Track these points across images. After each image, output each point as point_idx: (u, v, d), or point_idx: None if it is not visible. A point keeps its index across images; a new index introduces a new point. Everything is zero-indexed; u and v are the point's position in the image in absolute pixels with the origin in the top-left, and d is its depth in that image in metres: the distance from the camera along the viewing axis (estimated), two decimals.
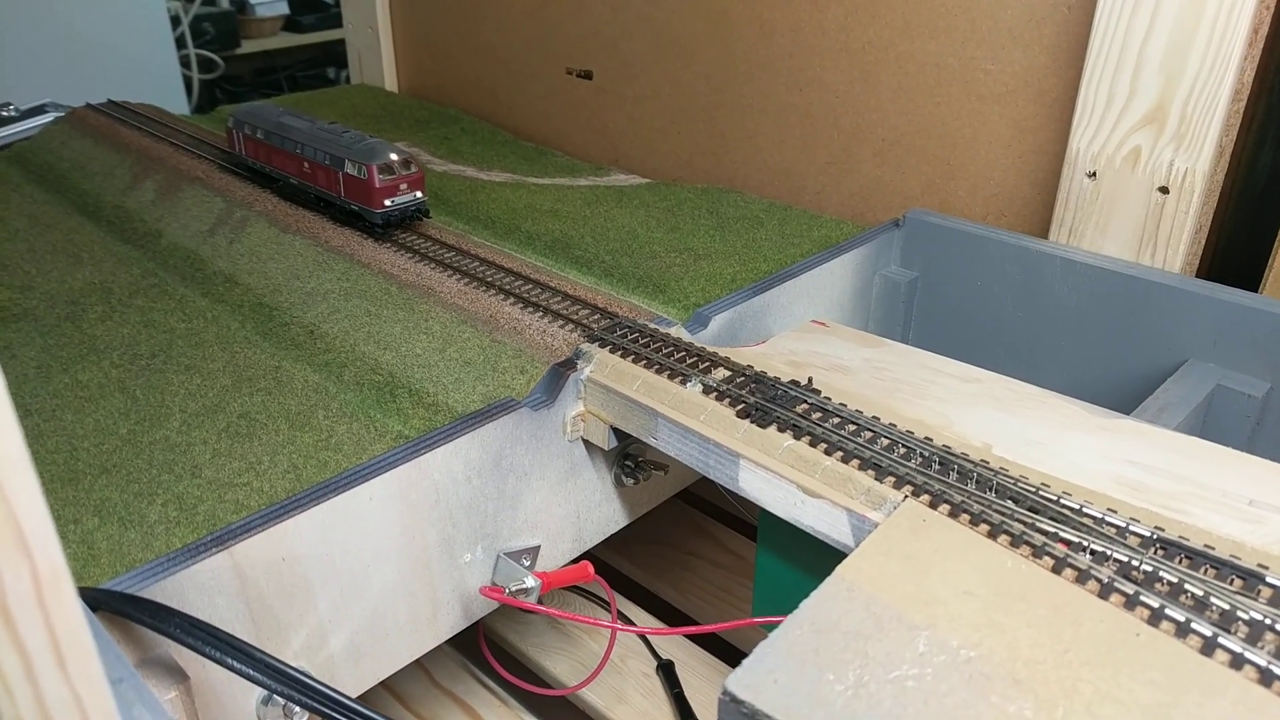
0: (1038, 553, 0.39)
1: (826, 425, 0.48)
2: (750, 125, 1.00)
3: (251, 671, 0.36)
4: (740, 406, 0.50)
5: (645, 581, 0.78)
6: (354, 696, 0.37)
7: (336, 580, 0.46)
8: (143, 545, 0.46)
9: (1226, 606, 0.35)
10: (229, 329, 0.67)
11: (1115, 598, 0.36)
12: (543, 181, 1.00)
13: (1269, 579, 0.36)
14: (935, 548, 0.39)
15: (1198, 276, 0.73)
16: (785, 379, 0.52)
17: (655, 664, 0.67)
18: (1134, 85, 0.69)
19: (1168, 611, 0.35)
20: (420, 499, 0.48)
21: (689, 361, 0.55)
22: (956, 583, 0.37)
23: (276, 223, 0.81)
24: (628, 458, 0.59)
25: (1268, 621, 0.34)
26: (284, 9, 2.50)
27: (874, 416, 0.49)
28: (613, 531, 0.61)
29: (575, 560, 0.58)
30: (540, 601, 0.52)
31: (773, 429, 0.48)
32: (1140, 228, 0.72)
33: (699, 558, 0.79)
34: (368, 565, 0.47)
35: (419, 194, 0.77)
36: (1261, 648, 0.33)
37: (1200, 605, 0.35)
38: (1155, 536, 0.39)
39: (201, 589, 0.41)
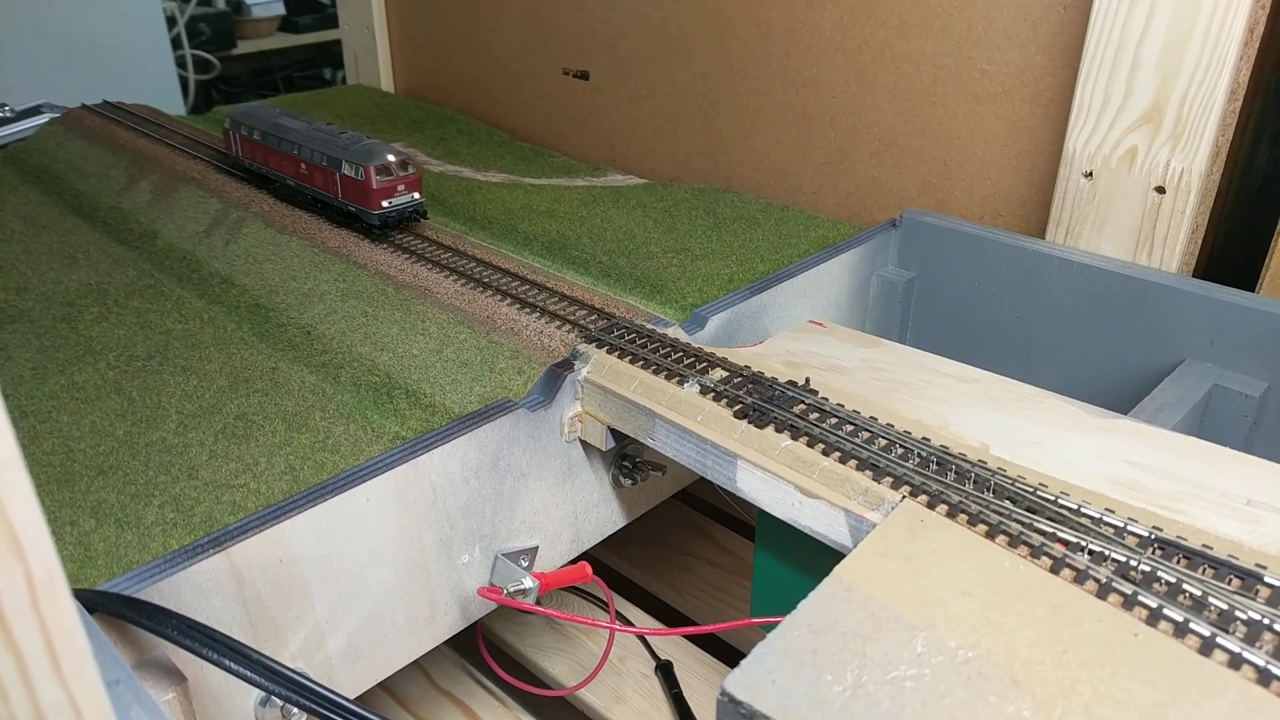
0: (1035, 553, 0.39)
1: (824, 425, 0.48)
2: (747, 125, 1.00)
3: (249, 673, 0.36)
4: (738, 407, 0.50)
5: (643, 582, 0.78)
6: (352, 698, 0.37)
7: (334, 581, 0.46)
8: (140, 547, 0.46)
9: (1225, 606, 0.35)
10: (225, 330, 0.67)
11: (1113, 598, 0.36)
12: (539, 182, 1.00)
13: (1267, 579, 0.36)
14: (933, 548, 0.39)
15: (1194, 276, 0.74)
16: (783, 379, 0.52)
17: (654, 664, 0.67)
18: (1130, 85, 0.69)
19: (1166, 611, 0.35)
20: (418, 500, 0.48)
21: (686, 362, 0.55)
22: (954, 583, 0.37)
23: (273, 224, 0.81)
24: (625, 458, 0.59)
25: (1266, 621, 0.34)
26: (280, 9, 2.49)
27: (871, 417, 0.49)
28: (611, 532, 0.61)
29: (573, 561, 0.58)
30: (538, 602, 0.52)
31: (770, 429, 0.48)
32: (1137, 228, 0.72)
33: (697, 558, 0.79)
34: (365, 566, 0.47)
35: (416, 195, 0.77)
36: (1260, 647, 0.33)
37: (1198, 605, 0.35)
38: (1153, 536, 0.39)
39: (199, 590, 0.41)
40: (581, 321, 0.61)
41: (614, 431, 0.55)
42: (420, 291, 0.68)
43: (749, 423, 0.49)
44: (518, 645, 0.69)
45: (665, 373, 0.54)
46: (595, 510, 0.59)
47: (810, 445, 0.47)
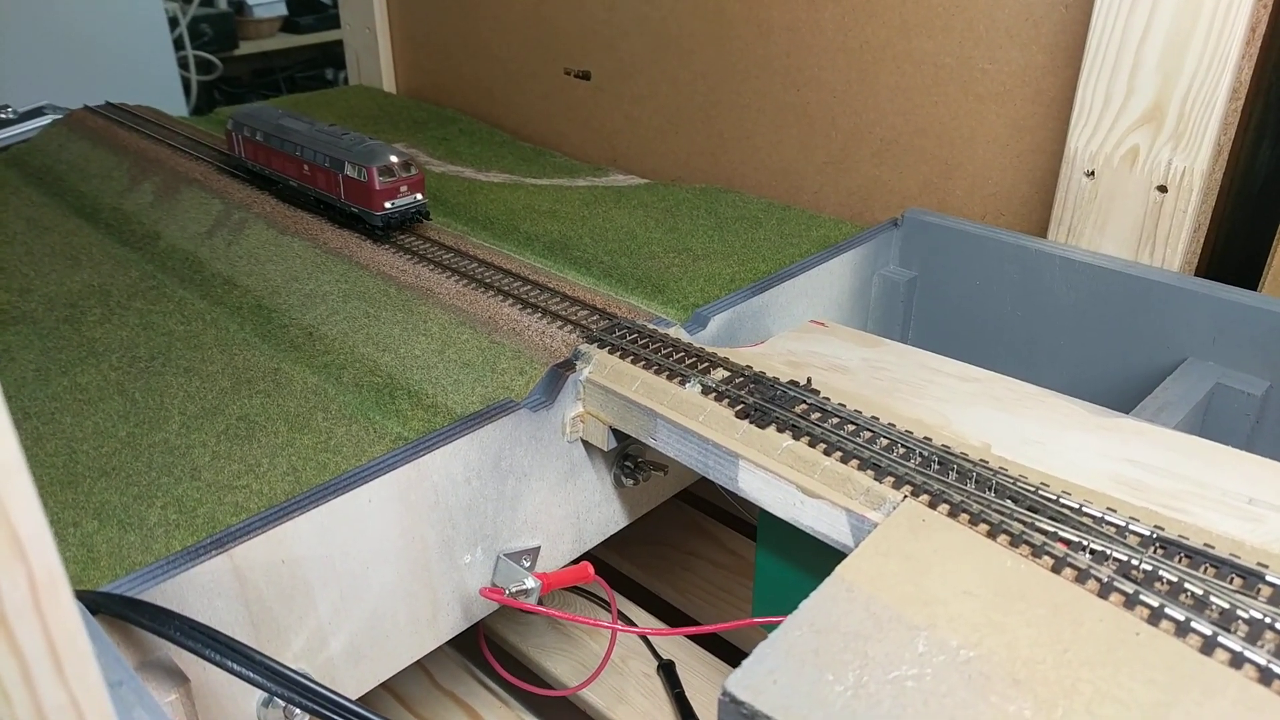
0: (1037, 552, 0.39)
1: (825, 425, 0.48)
2: (748, 125, 1.00)
3: (251, 674, 0.36)
4: (739, 407, 0.50)
5: (645, 582, 0.78)
6: (354, 698, 0.37)
7: (336, 582, 0.46)
8: (142, 548, 0.46)
9: (1226, 605, 0.35)
10: (228, 331, 0.67)
11: (1115, 597, 0.36)
12: (541, 182, 1.00)
13: (1268, 577, 0.36)
14: (934, 548, 0.39)
15: (1196, 275, 0.73)
16: (784, 379, 0.52)
17: (656, 664, 0.67)
18: (1131, 84, 0.69)
19: (1167, 610, 0.35)
20: (419, 500, 0.48)
21: (688, 362, 0.55)
22: (956, 583, 0.37)
23: (275, 224, 0.81)
24: (627, 458, 0.59)
25: (1267, 620, 0.34)
26: (282, 10, 2.49)
27: (873, 416, 0.49)
28: (613, 532, 0.61)
29: (575, 561, 0.58)
30: (540, 602, 0.52)
31: (772, 429, 0.48)
32: (1139, 226, 0.72)
33: (699, 558, 0.79)
34: (367, 567, 0.47)
35: (419, 196, 0.77)
36: (1261, 646, 0.33)
37: (1200, 604, 0.35)
38: (1155, 535, 0.39)
39: (201, 591, 0.41)
40: (583, 322, 0.61)
41: (616, 431, 0.55)
42: (422, 292, 0.68)
43: (750, 423, 0.49)
44: (520, 645, 0.69)
45: (667, 373, 0.54)
46: (597, 510, 0.59)
47: (812, 445, 0.47)
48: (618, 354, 0.56)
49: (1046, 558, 0.38)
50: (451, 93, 1.36)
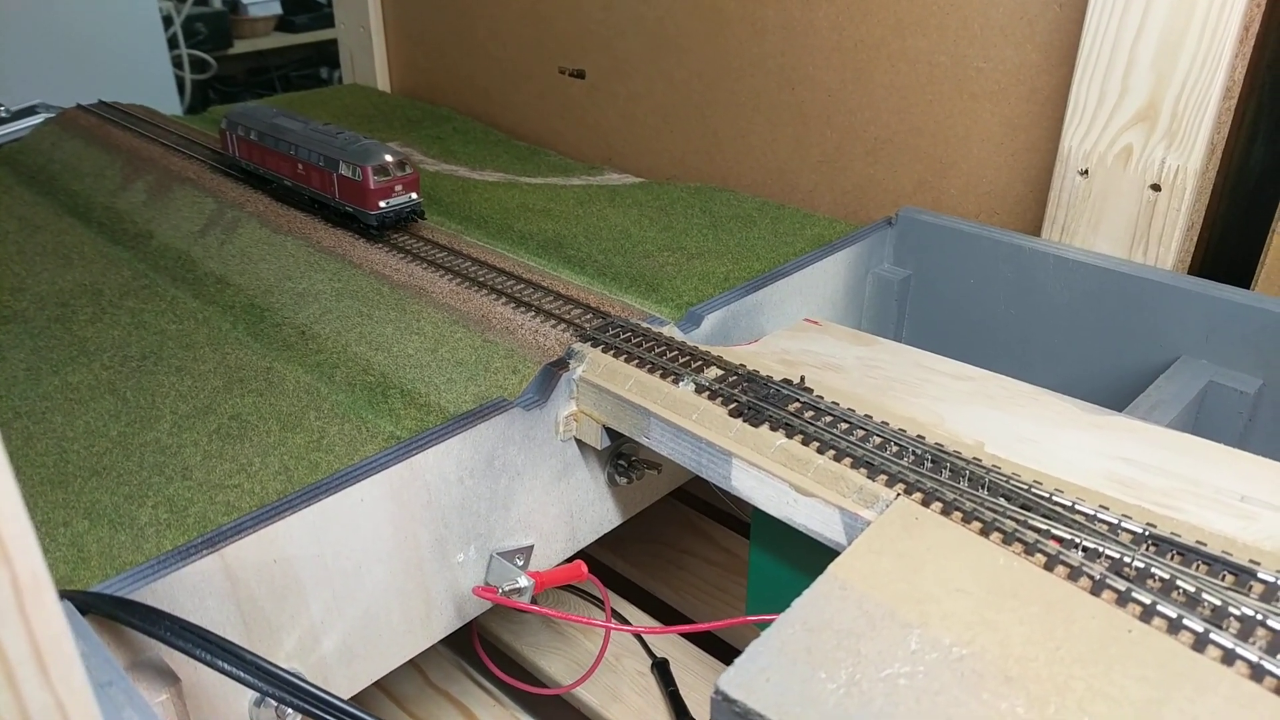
0: (1030, 550, 0.39)
1: (819, 424, 0.48)
2: (743, 124, 1.00)
3: (243, 674, 0.36)
4: (733, 405, 0.50)
5: (639, 580, 0.78)
6: (347, 698, 0.37)
7: (328, 581, 0.46)
8: (133, 547, 0.45)
9: (1218, 602, 0.35)
10: (220, 330, 0.67)
11: (1107, 594, 0.36)
12: (535, 181, 1.00)
13: (1260, 575, 0.36)
14: (927, 546, 0.39)
15: (1190, 274, 0.73)
16: (778, 378, 0.52)
17: (650, 662, 0.67)
18: (1125, 83, 0.69)
19: (1159, 608, 0.35)
20: (412, 499, 0.48)
21: (681, 361, 0.55)
22: (949, 580, 0.37)
23: (268, 223, 0.81)
24: (621, 457, 0.59)
25: (1259, 617, 0.34)
26: (276, 9, 2.49)
27: (866, 415, 0.49)
28: (606, 531, 0.61)
29: (569, 559, 0.58)
30: (534, 601, 0.52)
31: (765, 428, 0.48)
32: (1132, 225, 0.72)
33: (693, 556, 0.79)
34: (360, 566, 0.47)
35: (414, 195, 0.77)
36: (1253, 643, 0.33)
37: (1192, 601, 0.35)
38: (1147, 533, 0.39)
39: (192, 591, 0.41)
40: (577, 320, 0.61)
41: (609, 430, 0.55)
42: (415, 291, 0.68)
43: (744, 421, 0.49)
44: (514, 644, 0.69)
45: (660, 371, 0.54)
46: (591, 509, 0.59)
47: (805, 443, 0.47)
48: (611, 352, 0.56)
49: (1039, 555, 0.38)
50: (446, 91, 1.35)
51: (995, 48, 0.79)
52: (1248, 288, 0.71)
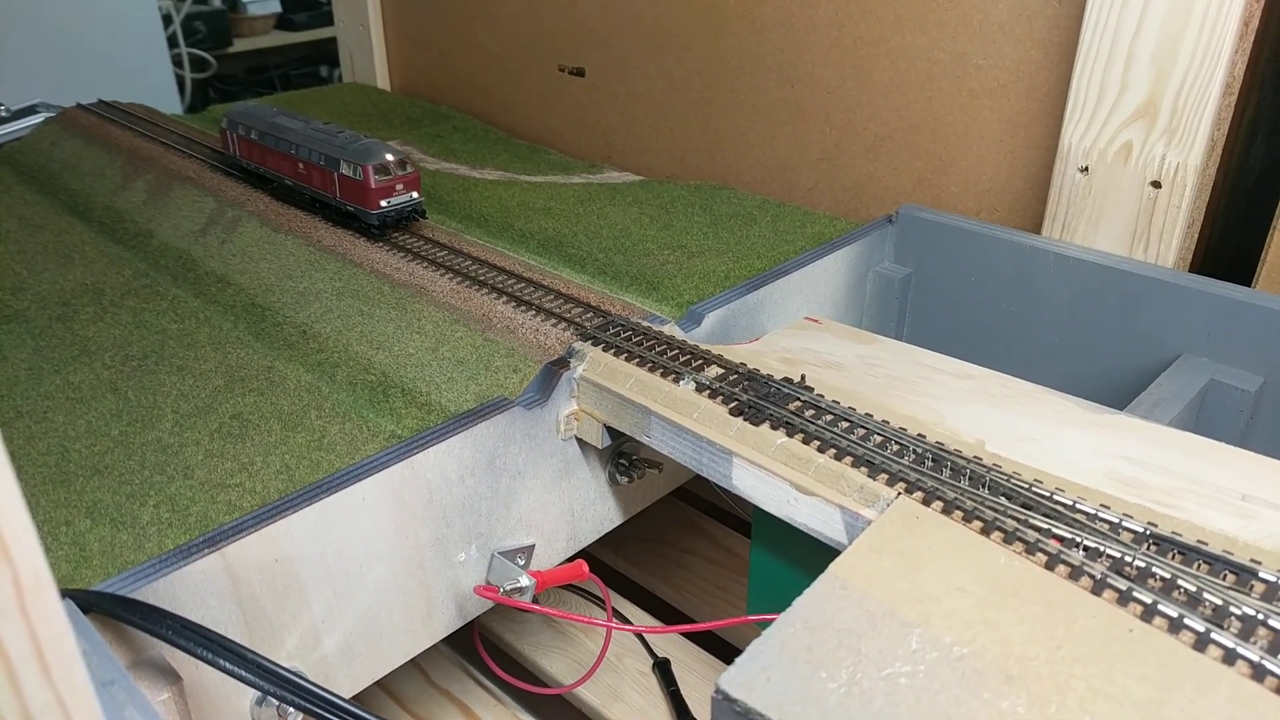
0: (1030, 549, 0.39)
1: (819, 422, 0.48)
2: (742, 121, 1.00)
3: (244, 673, 0.36)
4: (733, 404, 0.50)
5: (640, 579, 0.78)
6: (348, 697, 0.37)
7: (330, 581, 0.46)
8: (135, 547, 0.46)
9: (1219, 602, 0.35)
10: (221, 329, 0.67)
11: (1108, 594, 0.36)
12: (535, 179, 1.00)
13: (1261, 574, 0.36)
14: (928, 545, 0.39)
15: (1190, 271, 0.73)
16: (778, 376, 0.52)
17: (651, 662, 0.67)
18: (1125, 80, 0.69)
19: (1160, 607, 0.35)
20: (413, 499, 0.48)
21: (682, 359, 0.55)
22: (949, 580, 0.37)
23: (268, 222, 0.81)
24: (622, 456, 0.59)
25: (1260, 617, 0.34)
26: (276, 7, 2.49)
27: (867, 414, 0.49)
28: (607, 530, 0.61)
29: (570, 559, 0.58)
30: (535, 600, 0.52)
31: (766, 426, 0.48)
32: (1133, 222, 0.72)
33: (694, 555, 0.79)
34: (361, 565, 0.47)
35: (415, 194, 0.77)
36: (1254, 643, 0.33)
37: (1193, 601, 0.35)
38: (1148, 532, 0.39)
39: (194, 590, 0.41)
40: (577, 319, 0.61)
41: (610, 429, 0.55)
42: (416, 290, 0.68)
43: (744, 420, 0.49)
44: (515, 643, 0.69)
45: (661, 370, 0.54)
46: (592, 508, 0.59)
47: (806, 442, 0.47)
48: (612, 351, 0.56)
49: (1040, 555, 0.38)
50: (446, 90, 1.35)
51: (995, 44, 0.79)
52: (1249, 285, 0.71)
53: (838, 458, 0.45)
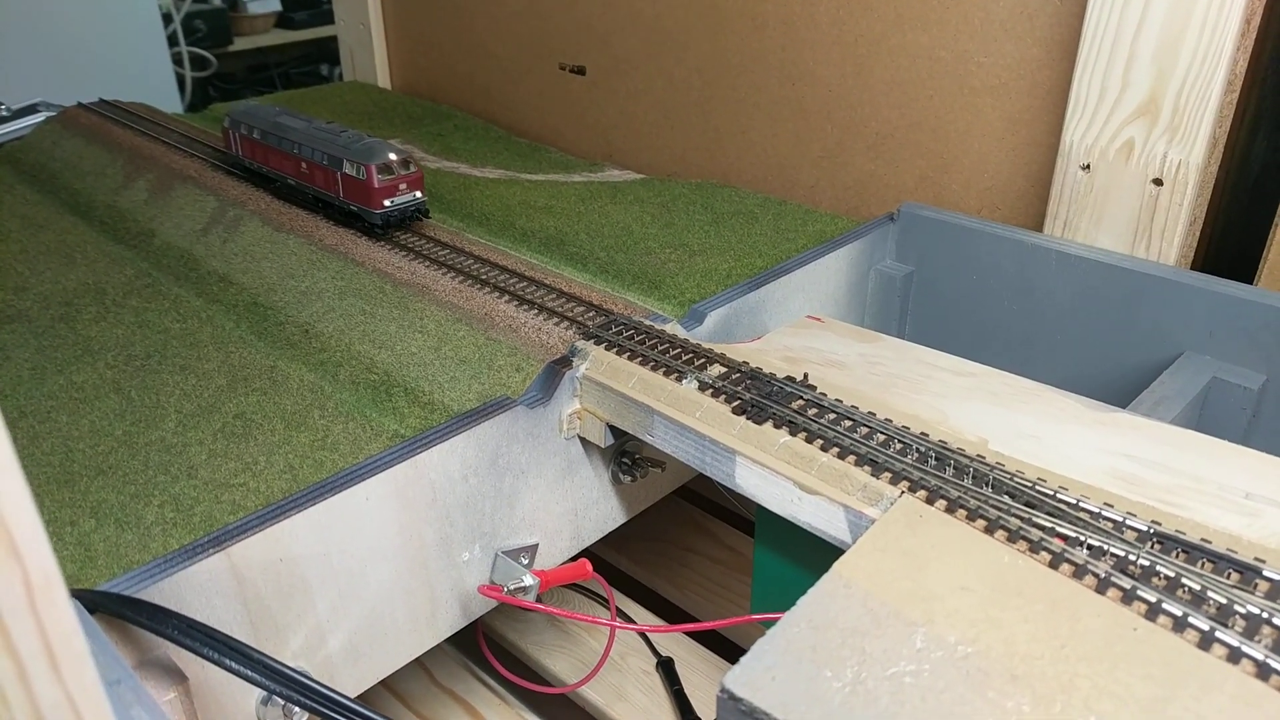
0: (1034, 547, 0.39)
1: (822, 421, 0.48)
2: (743, 120, 1.00)
3: (250, 672, 0.36)
4: (736, 403, 0.50)
5: (644, 578, 0.78)
6: (353, 696, 0.37)
7: (334, 580, 0.46)
8: (140, 547, 0.46)
9: (1224, 600, 0.35)
10: (224, 329, 0.67)
11: (1112, 592, 0.36)
12: (537, 178, 1.00)
13: (1266, 572, 0.36)
14: (932, 543, 0.39)
15: (1192, 269, 0.73)
16: (781, 375, 0.52)
17: (655, 661, 0.67)
18: (1127, 78, 0.69)
19: (1165, 606, 0.35)
20: (417, 498, 0.48)
21: (685, 358, 0.55)
22: (953, 578, 0.37)
23: (270, 222, 0.81)
24: (624, 455, 0.59)
25: (1265, 615, 0.34)
26: (276, 6, 2.49)
27: (870, 412, 0.49)
28: (611, 529, 0.61)
29: (573, 558, 0.58)
30: (539, 599, 0.52)
31: (769, 425, 0.48)
32: (1134, 220, 0.72)
33: (697, 554, 0.79)
34: (365, 565, 0.47)
35: (418, 194, 0.77)
36: (1259, 641, 0.33)
37: (1197, 599, 0.35)
38: (1152, 530, 0.39)
39: (199, 590, 0.41)
40: (579, 318, 0.61)
41: (613, 428, 0.55)
42: (418, 289, 0.68)
43: (747, 419, 0.49)
44: (519, 643, 0.69)
45: (664, 369, 0.54)
46: (595, 507, 0.59)
47: (809, 441, 0.47)
48: (614, 350, 0.56)
49: (1044, 553, 0.38)
50: (446, 89, 1.35)
51: (996, 42, 0.79)
52: (1251, 283, 0.71)
53: (841, 456, 0.45)
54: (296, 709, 0.43)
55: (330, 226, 0.78)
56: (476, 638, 0.68)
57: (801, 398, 0.50)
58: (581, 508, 0.58)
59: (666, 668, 0.66)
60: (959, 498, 0.42)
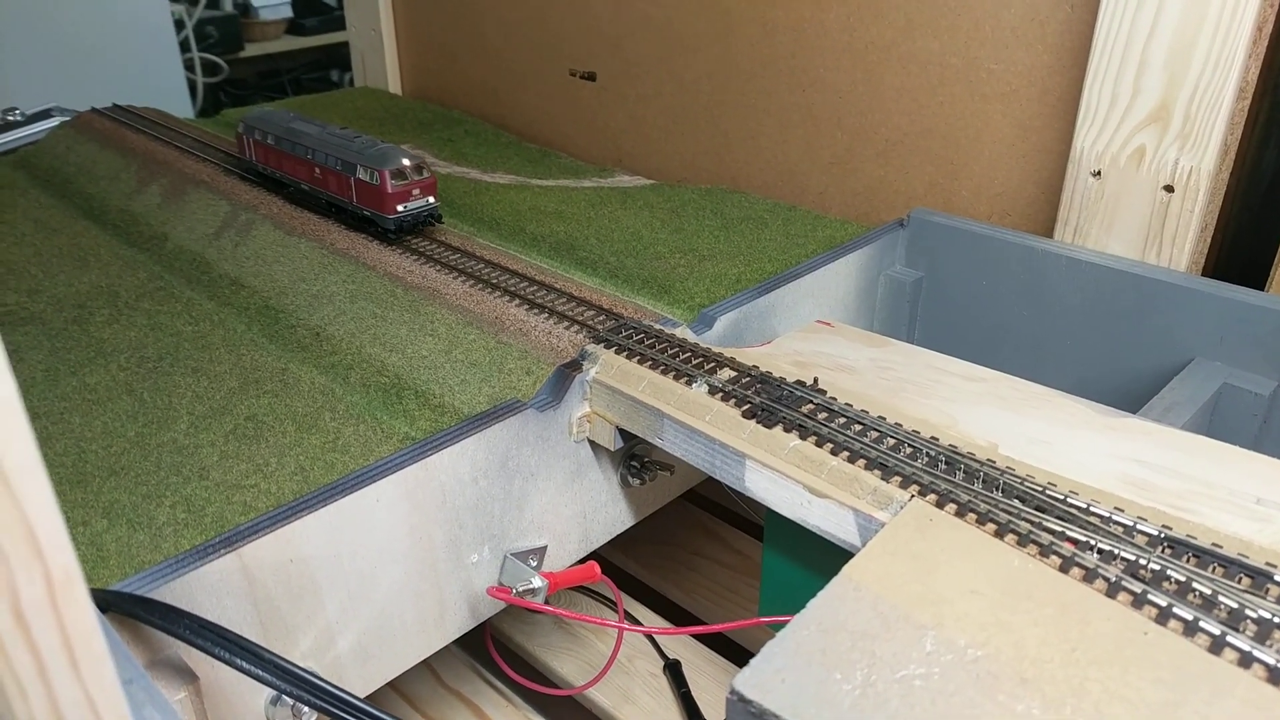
0: (1045, 551, 0.39)
1: (832, 425, 0.48)
2: (753, 125, 1.00)
3: (260, 672, 0.36)
4: (746, 407, 0.50)
5: (652, 582, 0.78)
6: (362, 697, 0.37)
7: (344, 581, 0.46)
8: (151, 547, 0.46)
9: (1235, 605, 0.35)
10: (235, 331, 0.68)
11: (1123, 596, 0.36)
12: (547, 183, 1.00)
13: (1277, 577, 0.36)
14: (942, 547, 0.39)
15: (1203, 275, 0.73)
16: (791, 379, 0.53)
17: (662, 664, 0.67)
18: (1138, 84, 0.69)
19: (1175, 610, 0.35)
20: (427, 500, 0.49)
21: (694, 362, 0.55)
22: (963, 582, 0.37)
23: (282, 226, 0.81)
24: (634, 458, 0.59)
25: (1276, 620, 0.34)
26: (287, 12, 2.50)
27: (880, 416, 0.49)
28: (619, 532, 0.61)
29: (582, 560, 0.58)
30: (547, 602, 0.52)
31: (779, 429, 0.48)
32: (1145, 226, 0.72)
33: (705, 558, 0.79)
34: (375, 566, 0.47)
35: (431, 199, 0.77)
36: (1270, 646, 0.33)
37: (1208, 604, 0.35)
38: (1163, 535, 0.39)
39: (210, 590, 0.41)
40: (589, 322, 0.61)
41: (622, 431, 0.55)
42: (429, 293, 0.69)
43: (757, 422, 0.49)
44: (526, 645, 0.69)
45: (673, 373, 0.54)
46: (604, 510, 0.59)
47: (819, 445, 0.47)
48: (624, 354, 0.56)
49: (1054, 557, 0.38)
50: (457, 94, 1.36)
51: (1007, 49, 0.79)
52: (1262, 289, 0.71)
53: (851, 460, 0.45)
54: (306, 709, 0.44)
55: (342, 231, 0.79)
56: (484, 639, 0.68)
57: (811, 402, 0.50)
58: (590, 510, 0.59)
59: (674, 670, 0.66)
60: (969, 502, 0.42)
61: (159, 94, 1.78)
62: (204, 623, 0.37)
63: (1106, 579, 0.37)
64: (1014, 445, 0.48)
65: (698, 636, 0.69)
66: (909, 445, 0.46)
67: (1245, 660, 0.33)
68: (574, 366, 0.56)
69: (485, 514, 0.52)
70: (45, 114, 1.25)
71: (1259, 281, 0.73)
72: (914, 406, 0.52)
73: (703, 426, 0.50)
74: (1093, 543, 0.39)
